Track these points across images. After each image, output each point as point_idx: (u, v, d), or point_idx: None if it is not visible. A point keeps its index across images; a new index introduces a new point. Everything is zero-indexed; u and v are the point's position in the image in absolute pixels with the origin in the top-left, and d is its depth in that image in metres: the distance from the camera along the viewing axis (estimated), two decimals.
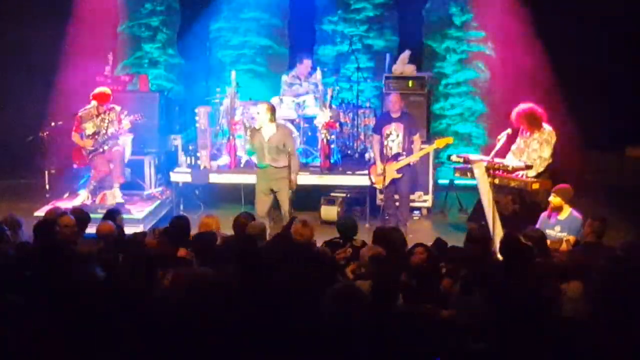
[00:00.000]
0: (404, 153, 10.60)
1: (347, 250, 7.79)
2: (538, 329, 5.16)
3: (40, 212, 10.12)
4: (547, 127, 9.89)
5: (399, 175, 10.57)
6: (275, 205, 10.17)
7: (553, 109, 10.21)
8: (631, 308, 5.49)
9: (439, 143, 10.78)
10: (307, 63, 12.46)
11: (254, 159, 10.66)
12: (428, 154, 11.38)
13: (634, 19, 12.28)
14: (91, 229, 8.56)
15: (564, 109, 11.63)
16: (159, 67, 14.24)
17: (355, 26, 14.08)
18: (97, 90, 11.20)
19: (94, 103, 11.11)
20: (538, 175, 9.73)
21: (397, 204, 10.83)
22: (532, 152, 9.89)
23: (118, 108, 11.21)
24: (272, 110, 10.09)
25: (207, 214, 8.54)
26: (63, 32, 13.41)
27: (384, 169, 10.66)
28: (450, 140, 10.89)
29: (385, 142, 10.66)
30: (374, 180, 10.91)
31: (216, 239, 7.45)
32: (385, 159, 10.69)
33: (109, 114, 11.10)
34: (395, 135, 10.60)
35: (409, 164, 10.61)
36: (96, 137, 11.08)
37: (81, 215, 8.34)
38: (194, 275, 5.61)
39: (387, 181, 10.67)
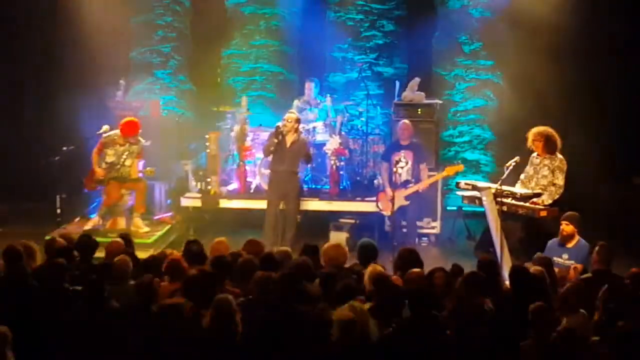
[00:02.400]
0: (413, 180, 10.68)
1: None
2: None
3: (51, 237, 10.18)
4: (558, 155, 9.94)
5: (407, 202, 10.65)
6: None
7: (562, 138, 10.24)
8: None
9: (449, 170, 10.83)
10: (307, 86, 12.61)
11: (268, 169, 11.24)
12: (437, 181, 11.43)
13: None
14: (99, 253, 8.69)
15: (573, 138, 11.68)
16: (170, 93, 14.33)
17: (365, 54, 14.18)
18: (125, 120, 11.16)
19: (117, 131, 11.16)
20: (553, 203, 9.74)
21: (404, 230, 10.88)
22: (542, 178, 9.90)
23: (143, 141, 11.26)
24: (299, 121, 10.98)
25: (218, 239, 8.57)
26: (75, 57, 13.53)
27: (393, 196, 10.73)
28: (460, 167, 10.95)
29: (395, 169, 10.73)
30: (381, 207, 10.99)
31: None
32: (393, 185, 10.75)
33: (132, 147, 11.13)
34: (404, 163, 10.70)
35: (417, 191, 10.69)
36: (111, 169, 11.11)
37: (88, 242, 8.36)
38: None
39: (395, 208, 10.73)
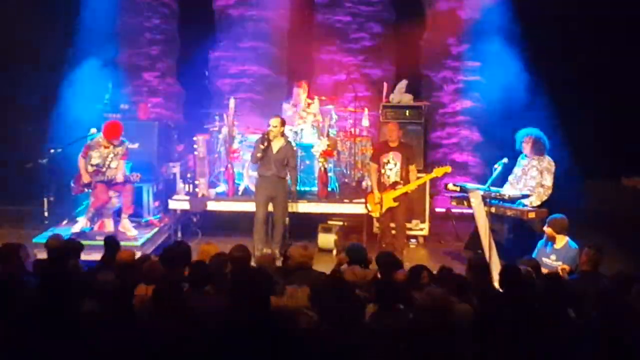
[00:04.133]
0: (402, 182, 10.69)
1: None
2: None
3: (39, 239, 10.16)
4: (546, 156, 9.99)
5: (396, 204, 10.65)
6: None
7: (549, 138, 10.26)
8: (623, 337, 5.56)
9: (437, 172, 10.82)
10: (296, 92, 12.54)
11: (256, 171, 11.20)
12: (425, 182, 11.45)
13: (633, 48, 12.42)
14: (88, 256, 8.68)
15: (560, 138, 11.72)
16: (158, 95, 14.32)
17: (353, 55, 14.20)
18: (106, 123, 11.14)
19: (101, 134, 11.14)
20: (542, 204, 9.78)
21: (393, 232, 10.88)
22: (530, 179, 9.96)
23: (127, 143, 11.25)
24: (284, 124, 11.01)
25: (206, 242, 8.54)
26: (62, 59, 13.49)
27: (381, 198, 10.74)
28: (448, 169, 10.95)
29: (383, 171, 10.75)
30: (370, 209, 10.99)
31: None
32: (382, 187, 10.77)
33: (116, 148, 11.12)
34: (393, 164, 10.69)
35: (405, 193, 10.70)
36: (97, 171, 11.09)
37: (74, 245, 8.35)
38: None
39: (384, 209, 10.75)
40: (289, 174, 10.95)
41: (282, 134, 10.95)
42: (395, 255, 8.20)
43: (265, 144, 10.74)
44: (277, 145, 10.84)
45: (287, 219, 10.95)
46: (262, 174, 10.94)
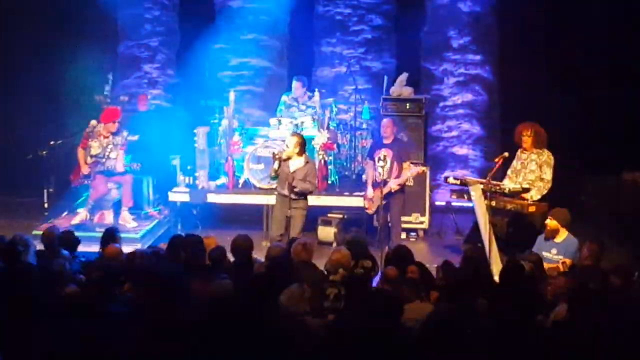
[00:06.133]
0: (390, 179, 10.58)
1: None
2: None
3: (39, 231, 10.15)
4: (546, 149, 9.98)
5: (384, 202, 10.35)
6: None
7: (551, 132, 10.26)
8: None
9: (412, 172, 10.68)
10: (295, 85, 12.46)
11: (271, 184, 10.88)
12: (425, 175, 11.40)
13: (634, 44, 12.41)
14: (87, 248, 8.69)
15: (562, 132, 11.72)
16: (158, 87, 14.30)
17: (353, 48, 14.17)
18: (106, 109, 11.26)
19: (101, 125, 11.17)
20: (542, 198, 9.77)
21: (390, 226, 10.84)
22: (529, 173, 9.95)
23: (126, 133, 11.26)
24: (303, 144, 10.09)
25: (205, 235, 8.54)
26: (63, 51, 13.47)
27: (373, 195, 10.71)
28: (424, 169, 10.91)
29: (376, 167, 10.66)
30: (366, 205, 10.96)
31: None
32: (375, 184, 10.71)
33: (115, 138, 11.14)
34: (384, 162, 10.55)
35: (390, 191, 10.58)
36: (96, 161, 11.10)
37: (71, 237, 8.35)
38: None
39: (375, 207, 10.68)
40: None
41: (302, 152, 10.09)
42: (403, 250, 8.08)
43: (277, 165, 9.97)
44: (295, 164, 10.01)
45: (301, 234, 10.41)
46: (279, 191, 10.21)
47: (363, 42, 14.18)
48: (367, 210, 11.04)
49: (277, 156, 9.99)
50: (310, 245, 7.86)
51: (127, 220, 11.24)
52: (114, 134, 11.15)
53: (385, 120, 10.92)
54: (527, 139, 9.99)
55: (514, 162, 10.11)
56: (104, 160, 11.11)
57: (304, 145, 10.12)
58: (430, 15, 13.96)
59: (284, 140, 10.69)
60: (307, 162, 10.07)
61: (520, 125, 10.09)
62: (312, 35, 14.31)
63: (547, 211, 9.17)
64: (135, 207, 11.67)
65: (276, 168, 9.95)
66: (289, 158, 10.01)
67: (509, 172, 10.12)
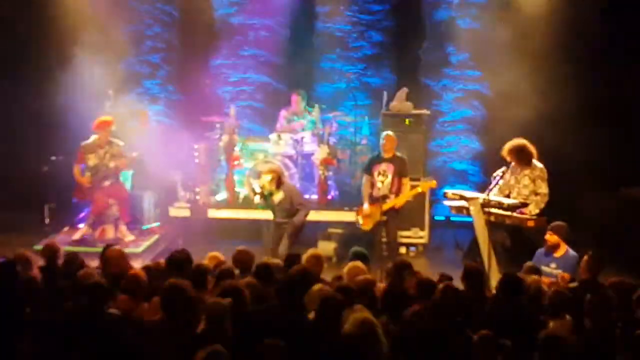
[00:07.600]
0: (392, 195, 10.60)
1: None
2: None
3: (40, 246, 10.16)
4: (537, 163, 9.98)
5: (384, 218, 10.41)
6: None
7: (548, 147, 10.29)
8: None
9: (423, 187, 10.72)
10: (294, 99, 12.57)
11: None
12: (424, 193, 11.40)
13: (632, 61, 12.47)
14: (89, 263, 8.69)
15: (561, 147, 11.77)
16: (159, 103, 14.34)
17: (353, 64, 14.24)
18: (98, 120, 11.31)
19: (96, 136, 11.21)
20: (540, 212, 9.78)
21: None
22: (523, 188, 9.97)
23: (122, 143, 11.32)
24: (278, 179, 10.22)
25: (209, 250, 8.54)
26: (65, 66, 13.50)
27: (370, 212, 10.67)
28: (433, 184, 10.83)
29: (375, 183, 10.68)
30: (361, 222, 10.85)
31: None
32: (372, 200, 10.69)
33: (111, 148, 11.21)
34: (384, 176, 10.54)
35: (393, 207, 10.57)
36: (96, 171, 11.16)
37: (74, 259, 8.19)
38: None
39: (373, 223, 10.64)
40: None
41: (279, 186, 10.26)
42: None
43: (258, 199, 10.38)
44: (277, 197, 10.27)
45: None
46: (272, 218, 10.55)
47: (363, 58, 14.26)
48: (361, 226, 10.91)
49: (256, 194, 10.31)
50: (321, 258, 7.90)
51: (124, 234, 11.28)
52: (111, 143, 11.21)
53: (386, 135, 10.87)
54: (511, 159, 10.01)
55: (508, 176, 10.06)
56: (104, 168, 11.17)
57: (279, 180, 10.25)
58: (429, 32, 14.02)
59: (284, 155, 10.74)
60: (285, 195, 10.24)
61: (504, 149, 10.05)
62: (312, 52, 14.35)
63: (546, 226, 9.19)
64: (135, 222, 11.70)
65: (257, 202, 10.34)
66: (270, 194, 10.21)
67: (501, 183, 10.02)
